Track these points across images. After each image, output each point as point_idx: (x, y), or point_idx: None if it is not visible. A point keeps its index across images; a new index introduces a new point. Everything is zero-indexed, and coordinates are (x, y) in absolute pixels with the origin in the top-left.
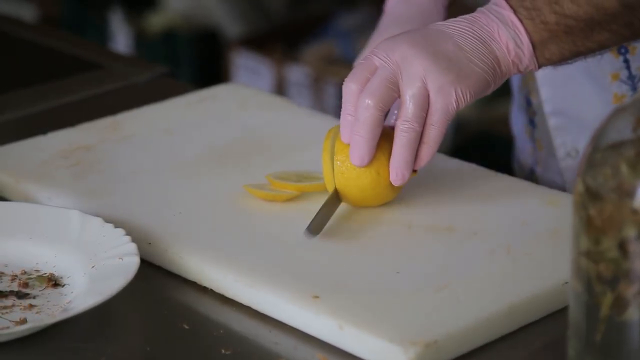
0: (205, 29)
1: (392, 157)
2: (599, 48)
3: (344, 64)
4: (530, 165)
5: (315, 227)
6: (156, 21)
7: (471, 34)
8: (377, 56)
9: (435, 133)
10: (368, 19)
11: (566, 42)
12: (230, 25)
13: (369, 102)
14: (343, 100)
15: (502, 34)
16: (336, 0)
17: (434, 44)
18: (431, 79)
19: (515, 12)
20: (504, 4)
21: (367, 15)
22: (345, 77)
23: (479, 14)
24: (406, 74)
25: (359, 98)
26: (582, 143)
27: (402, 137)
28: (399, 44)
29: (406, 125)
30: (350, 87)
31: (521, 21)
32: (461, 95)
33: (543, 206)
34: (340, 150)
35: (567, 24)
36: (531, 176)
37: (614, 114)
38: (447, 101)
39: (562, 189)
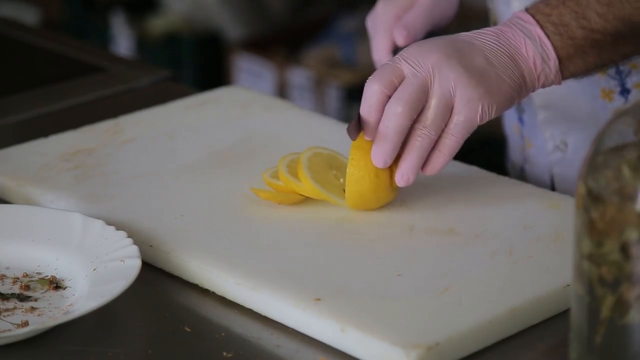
0: (207, 32)
1: (401, 158)
2: (622, 59)
3: (346, 66)
4: (520, 164)
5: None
6: (158, 24)
7: (500, 48)
8: (407, 62)
9: (452, 143)
10: None
11: (592, 56)
12: (233, 29)
13: (400, 109)
14: (363, 99)
15: (530, 50)
16: (338, 3)
17: (467, 57)
18: (460, 91)
19: (542, 27)
20: (530, 18)
21: None
22: (347, 80)
23: (505, 27)
24: (436, 82)
25: (388, 104)
26: (570, 136)
27: (416, 141)
28: (431, 52)
29: (423, 131)
30: (373, 87)
31: (548, 37)
32: (487, 111)
33: (545, 209)
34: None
35: (594, 39)
36: (521, 174)
37: (615, 116)
38: (472, 115)
39: (551, 187)
